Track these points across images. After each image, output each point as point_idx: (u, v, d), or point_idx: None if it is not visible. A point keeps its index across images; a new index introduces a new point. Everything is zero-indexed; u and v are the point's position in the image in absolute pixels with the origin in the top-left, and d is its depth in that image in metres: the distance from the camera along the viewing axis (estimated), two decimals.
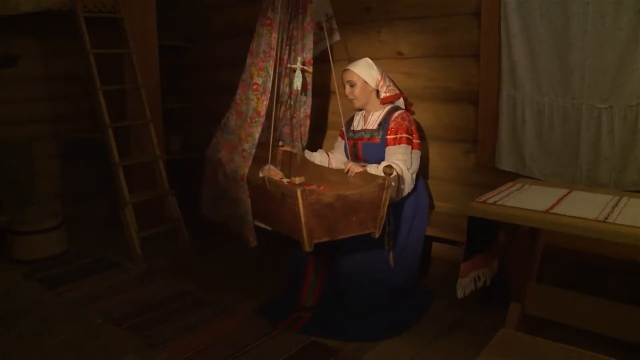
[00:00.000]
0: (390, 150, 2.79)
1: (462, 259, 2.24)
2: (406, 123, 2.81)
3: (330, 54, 2.97)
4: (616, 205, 2.06)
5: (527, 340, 1.63)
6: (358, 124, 3.01)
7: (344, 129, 3.09)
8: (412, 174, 2.78)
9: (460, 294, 2.27)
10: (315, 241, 2.29)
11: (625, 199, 2.16)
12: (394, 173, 2.48)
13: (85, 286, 3.08)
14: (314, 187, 2.49)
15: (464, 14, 2.95)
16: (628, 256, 2.13)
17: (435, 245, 3.13)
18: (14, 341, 2.48)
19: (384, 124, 2.86)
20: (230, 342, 2.43)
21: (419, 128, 3.07)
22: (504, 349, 1.58)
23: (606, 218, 1.89)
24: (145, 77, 3.74)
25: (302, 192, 2.21)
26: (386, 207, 2.42)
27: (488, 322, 2.51)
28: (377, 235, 2.45)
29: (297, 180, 2.24)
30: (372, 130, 2.91)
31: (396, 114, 2.85)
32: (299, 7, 2.99)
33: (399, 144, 2.77)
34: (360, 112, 3.05)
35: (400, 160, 2.72)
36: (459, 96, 3.04)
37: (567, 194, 2.26)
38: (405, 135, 2.78)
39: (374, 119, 2.93)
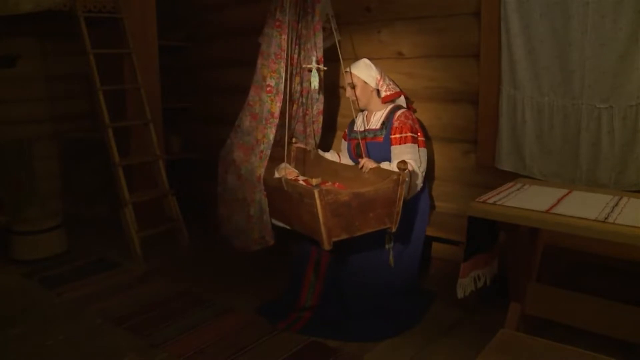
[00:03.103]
0: (396, 150, 2.78)
1: (462, 259, 2.24)
2: (410, 122, 2.81)
3: (340, 52, 2.96)
4: (616, 205, 2.06)
5: (527, 340, 1.63)
6: (361, 124, 3.01)
7: (346, 130, 3.09)
8: (422, 173, 2.79)
9: (460, 294, 2.27)
10: (334, 239, 2.32)
11: (625, 199, 2.16)
12: (408, 168, 2.49)
13: (85, 286, 3.07)
14: (329, 184, 2.50)
15: (464, 14, 2.95)
16: (628, 256, 2.14)
17: (435, 245, 3.13)
18: (14, 341, 2.48)
19: (386, 122, 2.86)
20: (230, 342, 2.43)
21: (422, 126, 3.07)
22: (504, 349, 1.58)
23: (606, 218, 1.89)
24: (145, 77, 3.74)
25: (320, 192, 2.23)
26: (401, 201, 2.44)
27: (488, 322, 2.50)
28: (394, 230, 2.48)
29: (314, 181, 2.26)
30: (375, 130, 2.91)
31: (399, 112, 2.85)
32: (308, 7, 2.99)
33: (405, 143, 2.77)
34: (362, 113, 3.05)
35: (411, 159, 2.71)
36: (458, 96, 3.05)
37: (567, 194, 2.26)
38: (410, 134, 2.78)
39: (377, 119, 2.93)
